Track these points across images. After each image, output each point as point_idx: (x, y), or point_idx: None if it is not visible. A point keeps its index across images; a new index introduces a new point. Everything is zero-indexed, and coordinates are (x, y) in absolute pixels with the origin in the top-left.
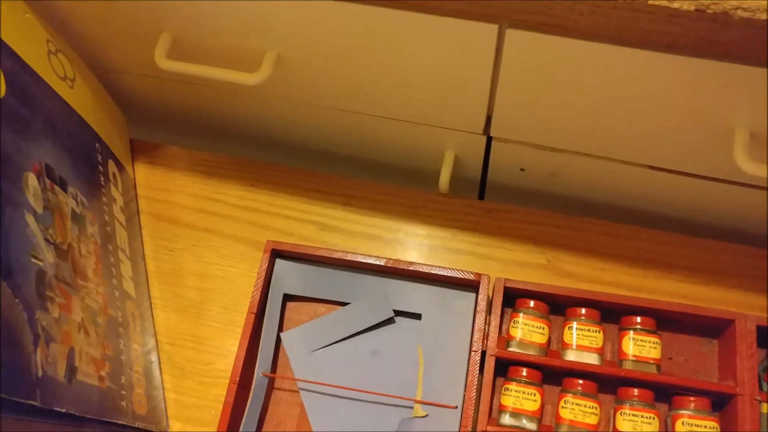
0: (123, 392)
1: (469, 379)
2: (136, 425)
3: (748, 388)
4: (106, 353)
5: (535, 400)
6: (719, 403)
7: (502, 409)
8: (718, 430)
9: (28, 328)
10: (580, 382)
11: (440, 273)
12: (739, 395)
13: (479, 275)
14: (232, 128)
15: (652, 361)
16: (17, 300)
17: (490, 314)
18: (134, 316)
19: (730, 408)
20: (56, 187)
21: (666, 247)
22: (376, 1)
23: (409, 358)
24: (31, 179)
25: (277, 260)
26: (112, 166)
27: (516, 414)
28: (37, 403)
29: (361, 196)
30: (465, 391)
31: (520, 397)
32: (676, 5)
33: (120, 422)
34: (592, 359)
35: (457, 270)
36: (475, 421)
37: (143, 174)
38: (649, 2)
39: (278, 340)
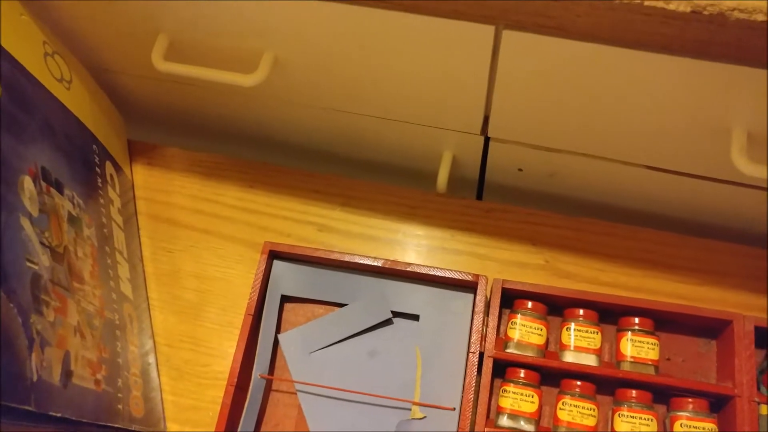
0: (120, 395)
1: (466, 380)
2: (133, 428)
3: (747, 390)
4: (103, 356)
5: (533, 402)
6: (717, 405)
7: (499, 411)
8: (717, 431)
9: (22, 333)
10: (578, 383)
11: (438, 274)
12: (738, 397)
13: (477, 276)
14: (230, 129)
15: (650, 362)
16: (12, 305)
17: (487, 315)
18: (132, 318)
19: (729, 409)
20: (52, 190)
21: (664, 248)
22: (373, 3)
23: (406, 360)
24: (27, 182)
25: (275, 261)
26: (109, 168)
27: (514, 416)
28: (31, 407)
29: (359, 196)
30: (463, 392)
31: (518, 398)
32: (672, 6)
33: (116, 425)
34: (590, 360)
35: (454, 271)
36: (473, 422)
37: (141, 175)
38: (645, 3)
39: (276, 342)
